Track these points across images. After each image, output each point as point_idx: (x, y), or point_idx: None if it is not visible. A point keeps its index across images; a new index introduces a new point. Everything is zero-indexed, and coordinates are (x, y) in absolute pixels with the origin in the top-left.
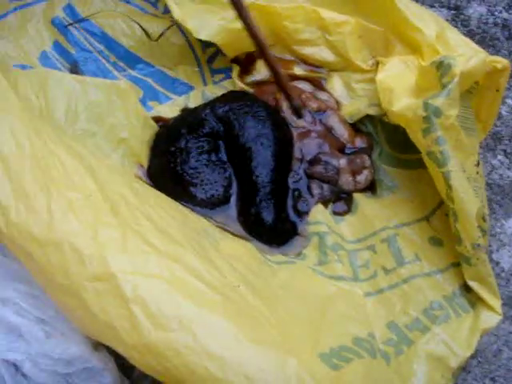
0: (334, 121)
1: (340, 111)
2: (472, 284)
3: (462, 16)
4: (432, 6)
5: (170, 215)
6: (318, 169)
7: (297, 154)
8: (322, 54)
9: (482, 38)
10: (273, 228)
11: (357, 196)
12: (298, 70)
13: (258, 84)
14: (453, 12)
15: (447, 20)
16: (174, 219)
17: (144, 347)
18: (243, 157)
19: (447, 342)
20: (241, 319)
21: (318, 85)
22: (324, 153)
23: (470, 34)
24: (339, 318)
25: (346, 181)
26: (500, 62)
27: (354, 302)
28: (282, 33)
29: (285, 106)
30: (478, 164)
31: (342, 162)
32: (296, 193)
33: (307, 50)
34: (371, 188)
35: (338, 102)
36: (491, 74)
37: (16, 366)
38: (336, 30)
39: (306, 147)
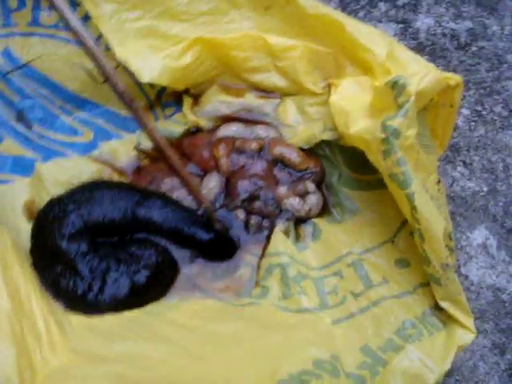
0: (280, 149)
1: (294, 137)
2: (444, 304)
3: (411, 29)
4: (380, 21)
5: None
6: (257, 205)
7: (232, 191)
8: (273, 79)
9: (432, 49)
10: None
11: (318, 222)
12: (250, 97)
13: (192, 133)
14: (401, 26)
15: (396, 34)
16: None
17: None
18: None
19: (422, 359)
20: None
21: (250, 121)
22: (260, 187)
23: (420, 47)
24: (300, 344)
25: (294, 204)
26: (453, 78)
27: (317, 328)
28: (230, 62)
29: (224, 165)
30: (438, 182)
31: (282, 189)
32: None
33: (257, 77)
34: (327, 212)
35: (278, 130)
36: (445, 91)
37: None
38: (284, 55)
39: (240, 186)
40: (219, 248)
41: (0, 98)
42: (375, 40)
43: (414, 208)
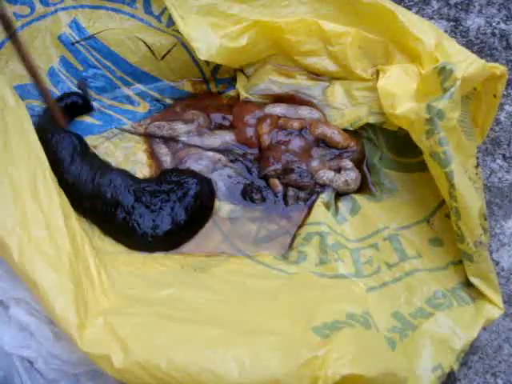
0: (321, 128)
1: (340, 118)
2: (474, 280)
3: (461, 27)
4: (431, 18)
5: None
6: (293, 177)
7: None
8: (324, 63)
9: (481, 47)
10: None
11: (358, 198)
12: (300, 78)
13: (240, 102)
14: (452, 23)
15: (446, 31)
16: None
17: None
18: None
19: (450, 326)
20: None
21: (296, 101)
22: (293, 162)
23: (468, 44)
24: (335, 300)
25: (330, 177)
26: (498, 68)
27: (351, 290)
28: (285, 45)
29: (265, 142)
30: (477, 166)
31: (314, 163)
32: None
33: (309, 60)
34: (367, 190)
35: (321, 111)
36: (489, 80)
37: (31, 362)
38: (337, 41)
39: (272, 158)
40: None
41: (65, 65)
42: (425, 30)
43: (452, 186)
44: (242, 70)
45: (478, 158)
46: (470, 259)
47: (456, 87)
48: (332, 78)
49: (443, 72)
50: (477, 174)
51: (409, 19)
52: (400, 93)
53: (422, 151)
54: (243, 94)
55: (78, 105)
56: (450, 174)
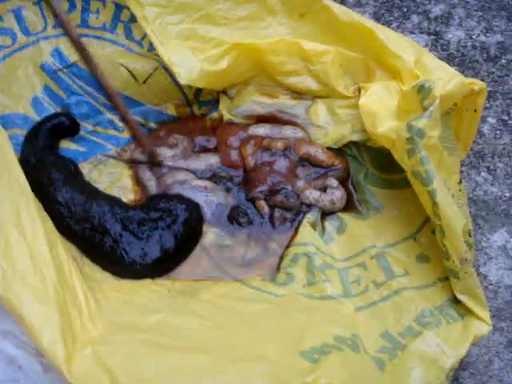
0: (305, 148)
1: (324, 137)
2: (461, 297)
3: (442, 41)
4: (412, 33)
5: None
6: (279, 198)
7: (251, 185)
8: (306, 82)
9: (462, 60)
10: None
11: (344, 216)
12: (283, 98)
13: (223, 124)
14: (432, 37)
15: (427, 45)
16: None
17: None
18: None
19: (439, 344)
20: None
21: (280, 121)
22: (279, 182)
23: (450, 58)
24: (323, 323)
25: (316, 196)
26: (477, 84)
27: (339, 311)
28: (266, 66)
29: (250, 163)
30: (460, 182)
31: (299, 183)
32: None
33: (291, 80)
34: (353, 208)
35: (305, 130)
36: (469, 96)
37: None
38: (318, 60)
39: (258, 180)
40: None
41: (48, 93)
42: (404, 47)
43: (435, 204)
44: (224, 92)
45: (462, 171)
46: (456, 276)
47: (435, 105)
48: (314, 96)
49: (422, 90)
50: (460, 190)
51: (387, 36)
52: (381, 111)
53: (405, 170)
54: (226, 116)
55: (65, 126)
56: (433, 192)
